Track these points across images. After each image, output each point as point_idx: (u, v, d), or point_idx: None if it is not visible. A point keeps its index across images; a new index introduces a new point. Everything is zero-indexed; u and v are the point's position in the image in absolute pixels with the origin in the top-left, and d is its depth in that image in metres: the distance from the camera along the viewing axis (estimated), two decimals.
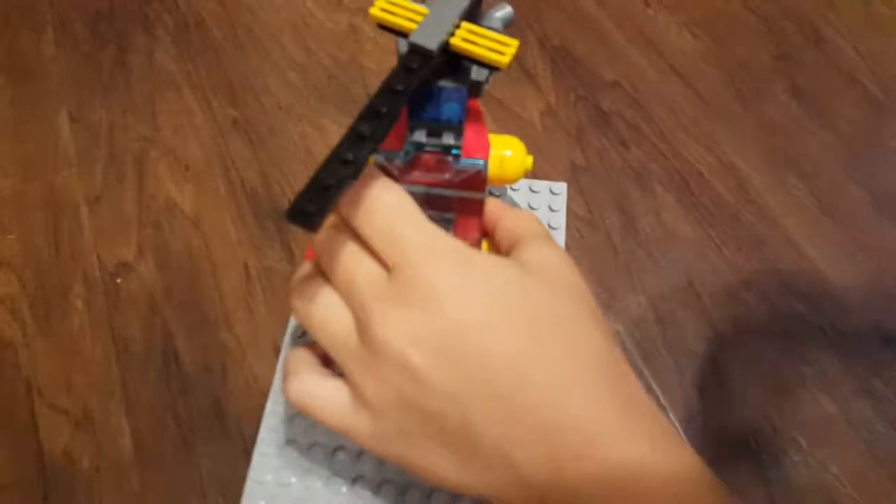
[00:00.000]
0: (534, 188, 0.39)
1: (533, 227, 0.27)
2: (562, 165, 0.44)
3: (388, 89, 0.22)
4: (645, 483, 0.21)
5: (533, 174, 0.41)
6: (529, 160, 0.30)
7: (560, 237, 0.38)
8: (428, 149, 0.25)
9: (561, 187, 0.39)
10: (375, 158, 0.25)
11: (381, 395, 0.23)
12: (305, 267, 0.25)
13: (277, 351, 0.36)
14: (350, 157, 0.20)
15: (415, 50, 0.23)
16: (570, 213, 0.41)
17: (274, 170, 0.44)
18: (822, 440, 0.35)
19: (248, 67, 0.49)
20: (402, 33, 0.24)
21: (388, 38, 0.50)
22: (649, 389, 0.35)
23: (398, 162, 0.25)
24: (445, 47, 0.23)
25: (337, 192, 0.19)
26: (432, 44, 0.23)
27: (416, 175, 0.26)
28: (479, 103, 0.27)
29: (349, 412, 0.24)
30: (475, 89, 0.26)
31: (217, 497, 0.32)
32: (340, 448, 0.30)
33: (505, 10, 0.27)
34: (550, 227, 0.38)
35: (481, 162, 0.26)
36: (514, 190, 0.39)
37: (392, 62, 0.23)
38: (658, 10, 0.53)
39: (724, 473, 0.33)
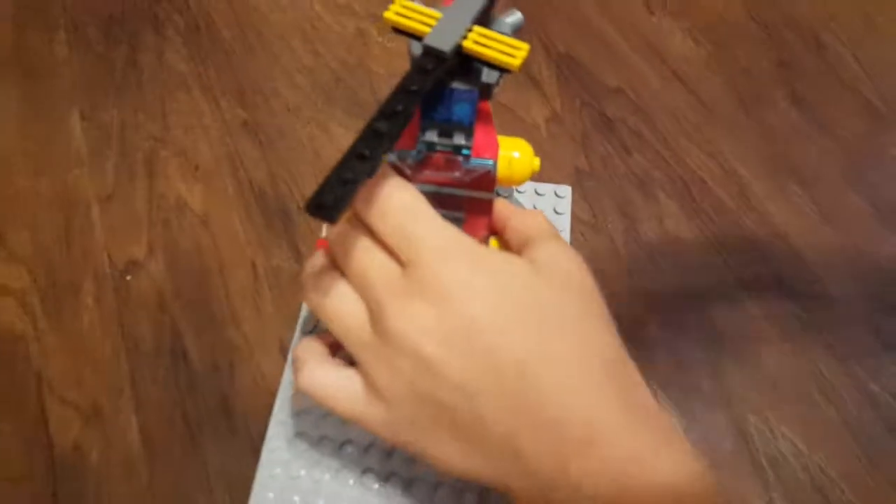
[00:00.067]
0: (539, 191, 0.40)
1: (542, 227, 0.27)
2: (566, 170, 0.45)
3: (403, 89, 0.22)
4: (646, 482, 0.22)
5: (538, 178, 0.42)
6: (537, 162, 0.30)
7: (564, 240, 0.38)
8: (439, 148, 0.26)
9: (566, 190, 0.40)
10: (388, 157, 0.26)
11: (395, 385, 0.23)
12: (318, 258, 0.26)
13: (284, 349, 0.37)
14: (367, 153, 0.20)
15: (429, 52, 0.23)
16: (574, 217, 0.42)
17: (282, 170, 0.44)
18: (821, 444, 0.35)
19: (257, 69, 0.49)
20: (415, 36, 0.25)
21: (395, 43, 0.51)
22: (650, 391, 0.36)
23: (410, 160, 0.26)
24: (458, 50, 0.24)
25: (354, 187, 0.20)
26: (446, 46, 0.23)
27: (428, 174, 0.26)
28: (489, 105, 0.27)
29: (362, 401, 0.24)
30: (486, 91, 0.26)
31: (223, 493, 0.33)
32: (348, 442, 0.30)
33: (515, 16, 0.28)
34: None
35: (491, 162, 0.26)
36: (519, 192, 0.40)
37: (399, 65, 0.24)
38: (662, 18, 0.54)
39: (723, 476, 0.33)
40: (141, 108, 0.47)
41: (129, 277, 0.39)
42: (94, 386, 0.36)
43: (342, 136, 0.46)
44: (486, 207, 0.28)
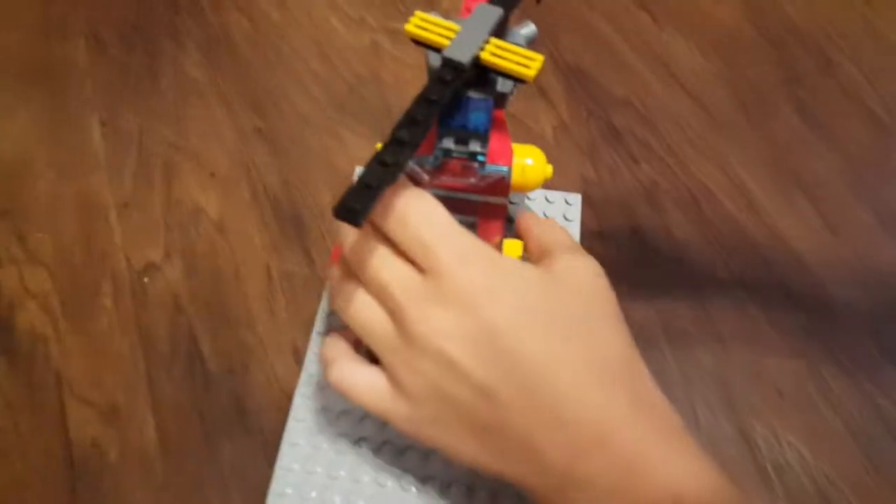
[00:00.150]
0: (549, 198, 0.41)
1: (560, 238, 0.29)
2: (573, 179, 0.45)
3: (423, 99, 0.23)
4: (654, 479, 0.23)
5: (545, 186, 0.43)
6: (549, 169, 0.31)
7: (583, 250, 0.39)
8: (455, 155, 0.27)
9: (575, 198, 0.41)
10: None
11: (419, 385, 0.24)
12: (340, 266, 0.27)
13: (297, 351, 0.38)
14: (390, 160, 0.21)
15: (448, 63, 0.24)
16: (581, 225, 0.42)
17: (295, 178, 0.45)
18: (827, 452, 0.35)
19: (272, 79, 0.50)
20: (434, 48, 0.26)
21: (407, 55, 0.52)
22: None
23: (428, 166, 0.27)
24: (476, 61, 0.25)
25: (379, 192, 0.21)
26: (465, 58, 0.24)
27: (444, 179, 0.27)
28: (503, 114, 0.28)
29: (387, 398, 0.25)
30: (500, 100, 0.27)
31: (237, 491, 0.33)
32: (364, 439, 0.31)
33: (529, 28, 0.29)
34: None
35: (505, 168, 0.27)
36: (529, 199, 0.40)
37: (410, 77, 0.25)
38: (670, 32, 0.54)
39: None
40: (159, 116, 0.48)
41: (146, 280, 0.40)
42: (112, 386, 0.36)
43: (354, 145, 0.47)
44: (499, 212, 0.29)
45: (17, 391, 0.36)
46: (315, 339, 0.36)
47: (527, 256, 0.30)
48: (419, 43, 0.26)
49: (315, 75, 0.51)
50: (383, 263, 0.25)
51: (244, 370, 0.37)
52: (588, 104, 0.50)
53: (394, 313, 0.25)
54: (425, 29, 0.26)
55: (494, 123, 0.27)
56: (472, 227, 0.29)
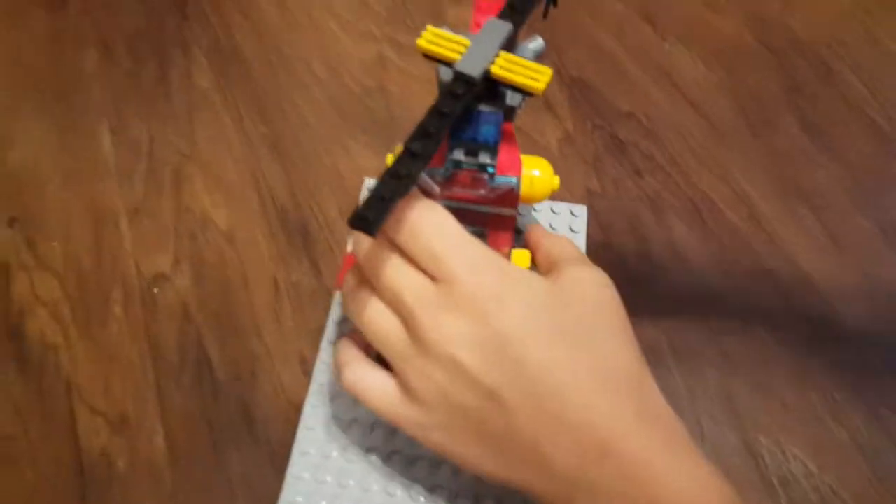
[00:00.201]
0: (555, 209, 0.41)
1: (568, 250, 0.29)
2: (578, 191, 0.46)
3: (436, 112, 0.24)
4: (660, 486, 0.23)
5: (551, 197, 0.43)
6: (556, 180, 0.31)
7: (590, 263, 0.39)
8: (465, 167, 0.27)
9: (581, 210, 0.41)
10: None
11: (429, 391, 0.25)
12: (353, 275, 0.28)
13: (304, 360, 0.38)
14: (403, 172, 0.22)
15: (459, 77, 0.25)
16: (586, 237, 0.43)
17: (301, 188, 0.46)
18: (832, 465, 0.35)
19: (279, 89, 0.51)
20: (446, 62, 0.26)
21: (413, 67, 0.53)
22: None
23: (439, 178, 0.27)
24: (486, 75, 0.25)
25: (392, 203, 0.21)
26: (476, 72, 0.25)
27: (455, 190, 0.28)
28: (512, 126, 0.29)
29: (397, 402, 0.26)
30: (509, 113, 0.28)
31: (245, 499, 0.34)
32: (374, 449, 0.31)
33: (537, 43, 0.29)
34: None
35: (514, 179, 0.28)
36: (536, 210, 0.41)
37: (417, 89, 0.25)
38: (673, 44, 0.55)
39: None
40: (168, 124, 0.48)
41: (156, 290, 0.41)
42: (121, 394, 0.37)
43: (360, 155, 0.47)
44: (508, 223, 0.29)
45: (27, 398, 0.36)
46: (325, 348, 0.36)
47: (535, 268, 0.30)
48: (431, 58, 0.26)
49: (323, 86, 0.51)
50: (397, 272, 0.25)
51: (252, 379, 0.37)
52: (593, 117, 0.50)
53: (406, 321, 0.25)
54: (437, 44, 0.26)
55: (503, 136, 0.28)
56: (481, 237, 0.30)
